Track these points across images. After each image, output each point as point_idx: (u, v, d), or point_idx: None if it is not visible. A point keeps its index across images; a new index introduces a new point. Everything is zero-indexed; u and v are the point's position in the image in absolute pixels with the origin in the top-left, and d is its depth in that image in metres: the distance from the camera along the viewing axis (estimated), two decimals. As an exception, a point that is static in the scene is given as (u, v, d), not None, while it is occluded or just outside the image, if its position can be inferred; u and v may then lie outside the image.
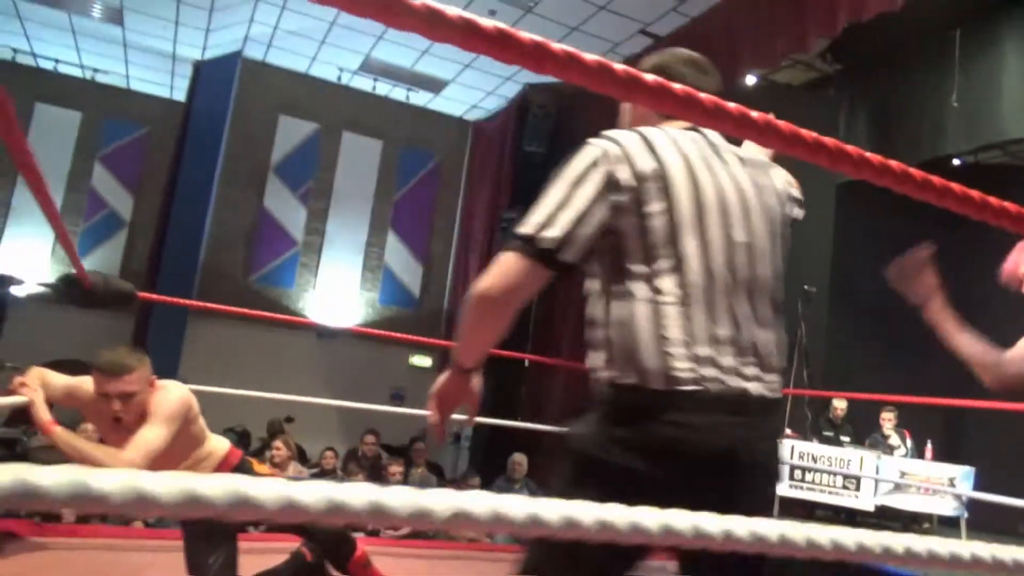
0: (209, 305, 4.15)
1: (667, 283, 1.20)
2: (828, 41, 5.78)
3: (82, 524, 3.55)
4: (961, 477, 5.54)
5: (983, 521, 5.88)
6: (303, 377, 8.13)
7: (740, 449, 1.20)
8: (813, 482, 5.69)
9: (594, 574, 1.20)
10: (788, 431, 6.39)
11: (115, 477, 0.42)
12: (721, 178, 1.28)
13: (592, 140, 1.28)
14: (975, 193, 0.72)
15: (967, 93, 5.39)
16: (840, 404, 6.29)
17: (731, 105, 0.66)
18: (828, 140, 0.70)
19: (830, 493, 5.63)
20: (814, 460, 5.67)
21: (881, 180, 0.69)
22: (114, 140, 8.83)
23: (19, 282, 2.93)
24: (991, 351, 1.64)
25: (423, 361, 9.44)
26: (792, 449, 5.75)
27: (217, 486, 0.43)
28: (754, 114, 0.67)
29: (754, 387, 1.23)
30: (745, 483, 1.22)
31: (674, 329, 1.19)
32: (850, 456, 5.67)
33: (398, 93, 9.02)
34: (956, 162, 6.88)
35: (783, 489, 5.61)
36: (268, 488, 0.44)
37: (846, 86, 6.38)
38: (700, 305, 1.20)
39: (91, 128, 8.86)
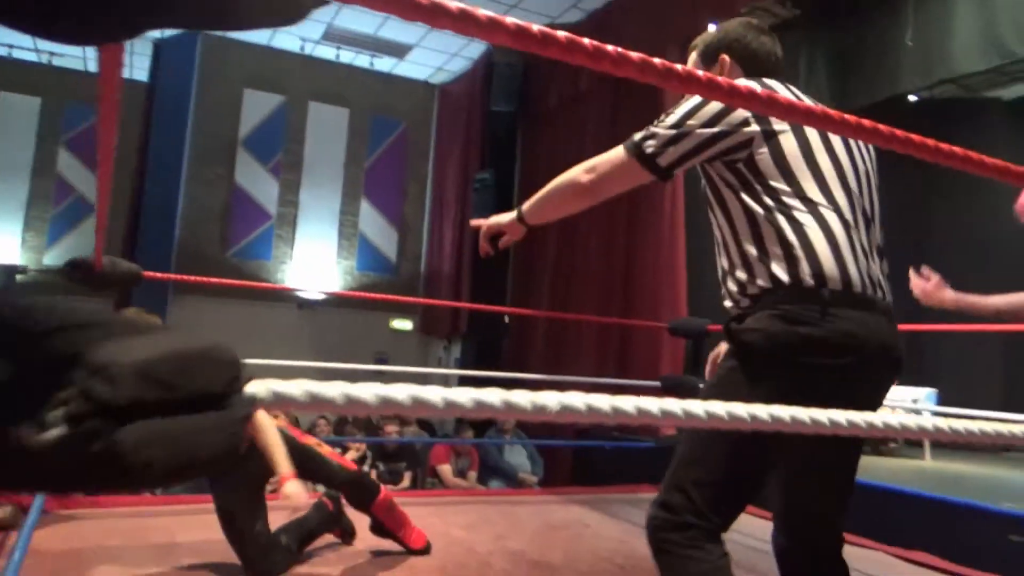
0: (224, 281, 4.26)
1: (819, 197, 1.37)
2: (786, -14, 5.93)
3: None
4: (924, 399, 5.89)
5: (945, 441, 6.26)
6: (286, 348, 8.24)
7: (893, 345, 1.40)
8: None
9: (744, 466, 1.38)
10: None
11: (336, 387, 0.58)
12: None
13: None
14: (917, 137, 0.89)
15: (921, 32, 5.59)
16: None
17: (657, 61, 0.72)
18: (762, 92, 0.81)
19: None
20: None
21: (837, 130, 0.85)
22: (77, 124, 8.72)
23: (22, 270, 2.95)
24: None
25: (404, 324, 9.60)
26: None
27: (401, 391, 0.60)
28: (678, 67, 0.73)
29: (887, 293, 1.44)
30: (891, 375, 1.43)
31: (841, 237, 1.35)
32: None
33: (362, 60, 9.00)
34: (913, 98, 7.13)
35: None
36: (434, 392, 0.61)
37: (805, 30, 6.53)
38: (849, 218, 1.38)
39: (52, 113, 8.74)
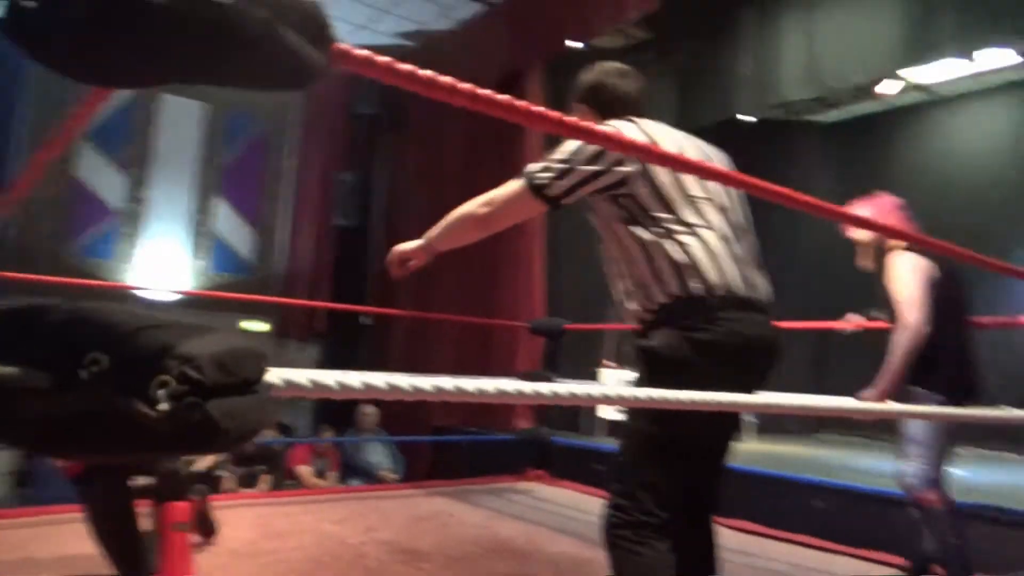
0: (62, 280, 4.07)
1: (696, 220, 1.58)
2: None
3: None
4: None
5: (768, 426, 7.08)
6: (132, 350, 7.82)
7: (771, 338, 1.63)
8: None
9: (675, 466, 1.59)
10: (611, 362, 7.16)
11: (331, 375, 0.74)
12: (696, 148, 1.71)
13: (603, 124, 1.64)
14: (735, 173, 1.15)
15: (756, 62, 6.29)
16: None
17: (484, 92, 0.85)
18: (610, 131, 1.02)
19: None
20: (636, 388, 6.42)
21: (648, 159, 1.07)
22: None
23: None
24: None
25: (259, 326, 9.36)
26: (616, 378, 6.50)
27: (379, 378, 0.77)
28: (499, 97, 0.88)
29: (764, 293, 1.66)
30: (772, 364, 1.66)
31: (720, 251, 1.57)
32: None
33: (218, 52, 8.69)
34: (748, 119, 7.88)
35: (610, 413, 6.35)
36: (407, 380, 0.78)
37: (657, 53, 7.09)
38: (725, 233, 1.60)
39: None
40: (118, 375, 0.57)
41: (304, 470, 5.86)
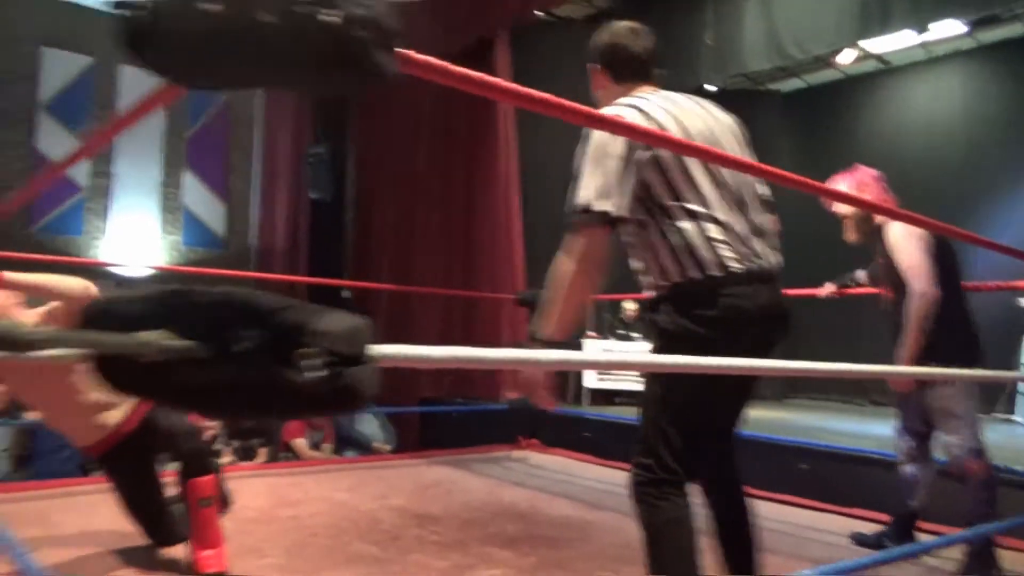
0: (34, 257, 4.06)
1: (697, 206, 1.65)
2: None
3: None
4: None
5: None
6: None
7: (773, 306, 1.71)
8: (614, 374, 6.61)
9: (691, 426, 1.68)
10: (590, 332, 7.31)
11: (437, 349, 0.84)
12: (698, 122, 1.74)
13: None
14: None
15: (718, 33, 6.43)
16: (630, 306, 7.15)
17: (453, 67, 0.90)
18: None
19: (630, 382, 6.56)
20: (613, 355, 6.59)
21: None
22: None
23: None
24: None
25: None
26: (598, 349, 6.64)
27: (465, 351, 0.87)
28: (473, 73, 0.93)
29: (770, 262, 1.73)
30: (780, 331, 1.74)
31: (716, 233, 1.65)
32: (639, 350, 6.64)
33: (181, 24, 8.53)
34: (711, 88, 8.03)
35: (591, 381, 6.52)
36: (472, 351, 0.89)
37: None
38: (724, 212, 1.66)
39: None
40: (266, 348, 0.67)
41: (300, 443, 5.92)
